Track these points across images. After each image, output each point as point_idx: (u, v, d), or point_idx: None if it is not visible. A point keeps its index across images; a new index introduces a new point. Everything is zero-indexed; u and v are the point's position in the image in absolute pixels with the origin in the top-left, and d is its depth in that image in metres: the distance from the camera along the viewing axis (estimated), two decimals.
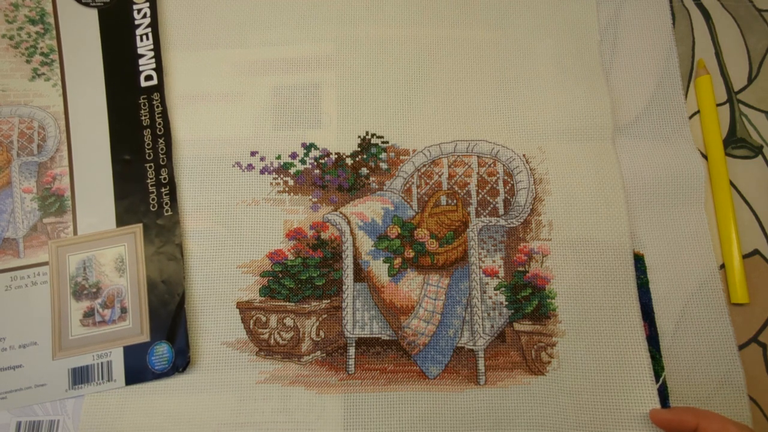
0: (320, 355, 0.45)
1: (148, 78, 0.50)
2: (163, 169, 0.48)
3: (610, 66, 0.52)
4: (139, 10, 0.51)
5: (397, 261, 0.46)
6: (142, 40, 0.51)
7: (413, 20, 0.52)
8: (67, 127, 0.49)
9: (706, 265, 0.47)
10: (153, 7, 0.51)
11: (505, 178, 0.49)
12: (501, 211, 0.48)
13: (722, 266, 0.48)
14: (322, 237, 0.47)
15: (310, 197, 0.48)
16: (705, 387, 0.44)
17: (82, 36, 0.51)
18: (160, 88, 0.50)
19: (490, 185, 0.48)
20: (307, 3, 0.53)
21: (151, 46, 0.50)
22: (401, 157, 0.49)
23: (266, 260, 0.47)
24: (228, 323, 0.46)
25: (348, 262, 0.46)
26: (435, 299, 0.46)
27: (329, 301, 0.46)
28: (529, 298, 0.46)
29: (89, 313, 0.45)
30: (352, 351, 0.45)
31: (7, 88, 0.50)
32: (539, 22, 0.53)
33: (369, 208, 0.47)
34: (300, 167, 0.49)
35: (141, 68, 0.50)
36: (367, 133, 0.49)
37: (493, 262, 0.47)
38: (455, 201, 0.48)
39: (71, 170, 0.48)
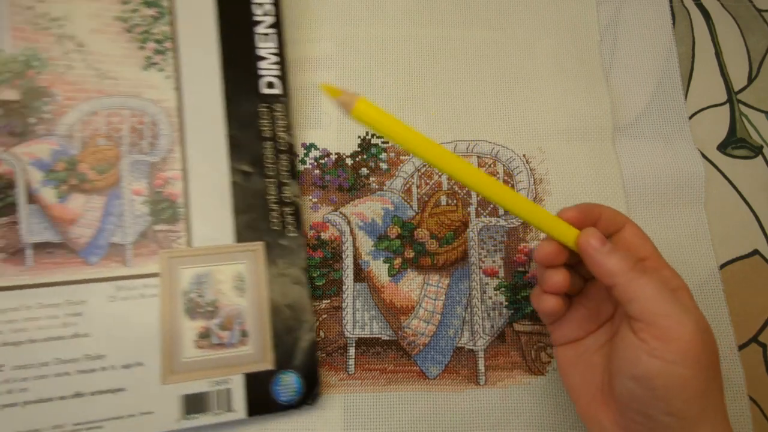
0: (320, 355, 0.45)
1: (270, 85, 0.45)
2: (286, 188, 0.44)
3: (610, 66, 0.52)
4: (260, 5, 0.46)
5: (397, 261, 0.46)
6: (263, 40, 0.46)
7: (413, 20, 0.52)
8: (180, 125, 0.43)
9: (706, 265, 0.47)
10: (276, 4, 0.46)
11: (505, 178, 0.49)
12: (501, 212, 0.48)
13: (722, 266, 0.48)
14: (322, 237, 0.47)
15: (310, 197, 0.48)
16: None
17: (199, 25, 0.45)
18: (284, 98, 0.45)
19: None
20: (307, 3, 0.53)
21: (276, 50, 0.45)
22: (401, 157, 0.49)
23: None
24: None
25: (348, 262, 0.46)
26: (435, 299, 0.46)
27: (329, 301, 0.46)
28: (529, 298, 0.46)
29: (205, 334, 0.40)
30: (352, 351, 0.45)
31: (118, 77, 0.43)
32: (539, 22, 0.53)
33: (369, 208, 0.47)
34: (300, 167, 0.49)
35: (261, 72, 0.45)
36: (367, 133, 0.49)
37: (493, 262, 0.47)
38: (455, 201, 0.48)
39: (185, 174, 0.43)
